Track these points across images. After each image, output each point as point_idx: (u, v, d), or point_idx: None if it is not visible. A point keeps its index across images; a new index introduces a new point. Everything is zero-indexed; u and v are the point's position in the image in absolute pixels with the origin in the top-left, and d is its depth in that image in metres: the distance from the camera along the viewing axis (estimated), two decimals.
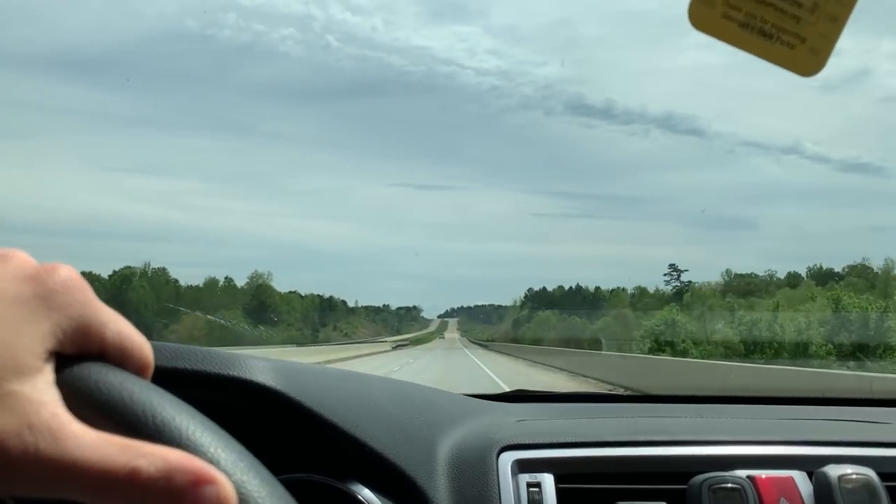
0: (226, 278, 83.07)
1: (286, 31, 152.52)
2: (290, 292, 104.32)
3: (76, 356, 0.30)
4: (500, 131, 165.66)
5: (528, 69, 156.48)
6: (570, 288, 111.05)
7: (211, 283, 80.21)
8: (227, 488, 0.27)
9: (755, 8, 0.40)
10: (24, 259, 0.31)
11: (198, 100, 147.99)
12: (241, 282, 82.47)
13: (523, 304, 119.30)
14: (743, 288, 64.23)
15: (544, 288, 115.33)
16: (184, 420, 0.30)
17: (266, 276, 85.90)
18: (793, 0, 0.39)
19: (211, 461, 0.28)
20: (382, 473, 0.77)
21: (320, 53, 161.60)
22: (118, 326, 0.32)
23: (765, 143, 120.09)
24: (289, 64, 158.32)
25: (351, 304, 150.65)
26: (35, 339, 0.28)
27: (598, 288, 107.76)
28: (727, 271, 78.88)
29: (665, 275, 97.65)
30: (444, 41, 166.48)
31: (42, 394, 0.27)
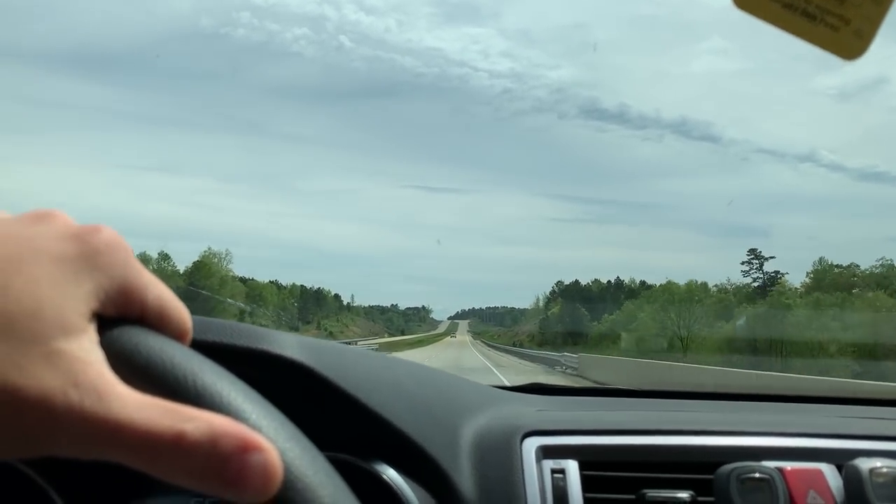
0: (160, 254, 61.89)
1: (300, 31, 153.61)
2: (271, 282, 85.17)
3: (117, 318, 0.30)
4: (513, 134, 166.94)
5: (542, 72, 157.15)
6: (609, 282, 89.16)
7: (140, 259, 58.94)
8: (273, 456, 0.27)
9: None
10: (66, 219, 0.31)
11: (212, 99, 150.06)
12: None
13: (549, 300, 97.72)
14: (844, 281, 52.10)
15: (577, 281, 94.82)
16: (225, 386, 0.30)
17: (221, 256, 64.57)
18: None
19: (253, 428, 0.28)
20: (406, 454, 0.76)
21: (333, 54, 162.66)
22: (158, 290, 0.31)
23: (780, 151, 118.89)
24: (302, 64, 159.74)
25: (349, 300, 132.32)
26: (80, 298, 0.28)
27: (643, 282, 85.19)
28: (820, 260, 60.27)
29: (743, 263, 72.64)
30: (458, 43, 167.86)
31: (88, 353, 0.27)
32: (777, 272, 73.79)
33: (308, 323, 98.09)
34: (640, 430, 0.89)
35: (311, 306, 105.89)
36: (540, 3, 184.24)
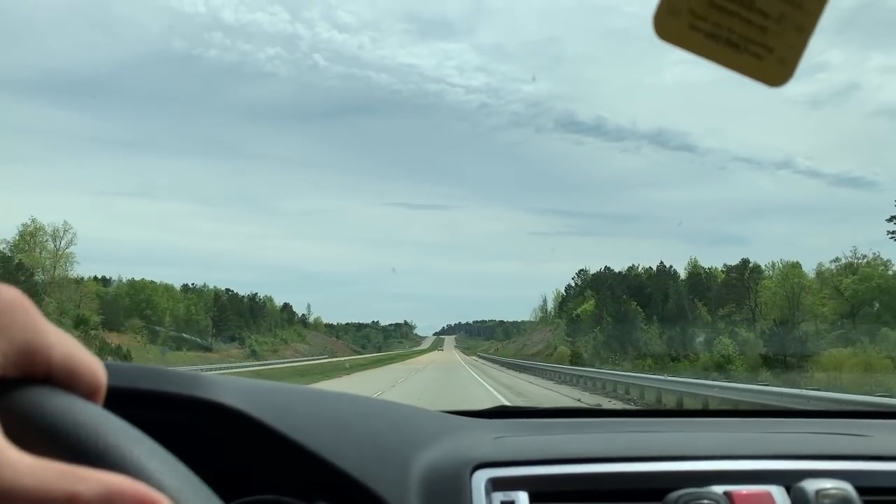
0: None
1: (272, 51, 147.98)
2: (184, 286, 57.37)
3: (20, 380, 0.29)
4: (491, 149, 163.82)
5: (518, 86, 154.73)
6: (651, 269, 61.92)
7: None
8: None
9: (721, 18, 0.38)
10: None
11: (186, 121, 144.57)
12: None
13: (565, 300, 70.26)
14: None
15: (607, 268, 67.64)
16: (128, 444, 0.29)
17: (57, 234, 38.99)
18: (759, 11, 0.38)
19: (154, 486, 0.27)
20: (352, 493, 0.75)
21: (308, 73, 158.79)
22: (66, 348, 0.31)
23: (756, 159, 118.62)
24: (276, 84, 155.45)
25: (305, 312, 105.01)
26: None
27: (709, 269, 57.02)
28: None
29: (891, 219, 42.13)
30: (432, 59, 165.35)
31: None
32: None
33: (232, 340, 70.16)
34: (591, 457, 0.89)
35: (244, 317, 78.24)
36: (512, 18, 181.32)
